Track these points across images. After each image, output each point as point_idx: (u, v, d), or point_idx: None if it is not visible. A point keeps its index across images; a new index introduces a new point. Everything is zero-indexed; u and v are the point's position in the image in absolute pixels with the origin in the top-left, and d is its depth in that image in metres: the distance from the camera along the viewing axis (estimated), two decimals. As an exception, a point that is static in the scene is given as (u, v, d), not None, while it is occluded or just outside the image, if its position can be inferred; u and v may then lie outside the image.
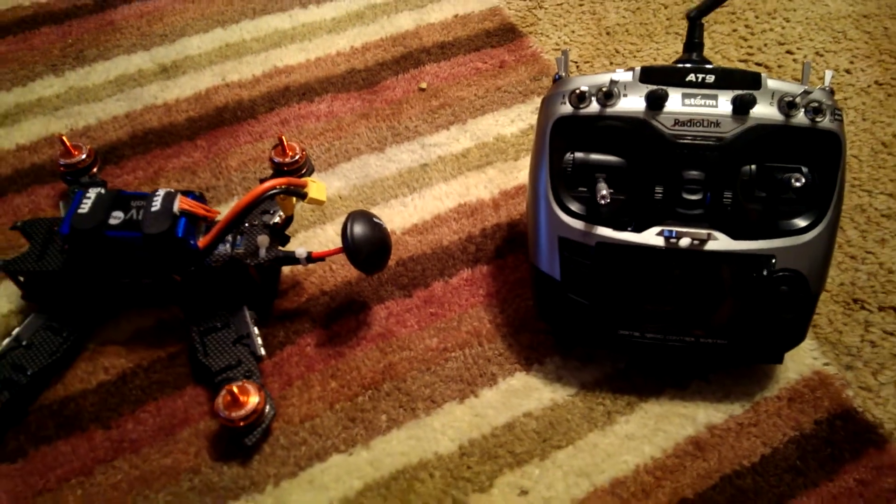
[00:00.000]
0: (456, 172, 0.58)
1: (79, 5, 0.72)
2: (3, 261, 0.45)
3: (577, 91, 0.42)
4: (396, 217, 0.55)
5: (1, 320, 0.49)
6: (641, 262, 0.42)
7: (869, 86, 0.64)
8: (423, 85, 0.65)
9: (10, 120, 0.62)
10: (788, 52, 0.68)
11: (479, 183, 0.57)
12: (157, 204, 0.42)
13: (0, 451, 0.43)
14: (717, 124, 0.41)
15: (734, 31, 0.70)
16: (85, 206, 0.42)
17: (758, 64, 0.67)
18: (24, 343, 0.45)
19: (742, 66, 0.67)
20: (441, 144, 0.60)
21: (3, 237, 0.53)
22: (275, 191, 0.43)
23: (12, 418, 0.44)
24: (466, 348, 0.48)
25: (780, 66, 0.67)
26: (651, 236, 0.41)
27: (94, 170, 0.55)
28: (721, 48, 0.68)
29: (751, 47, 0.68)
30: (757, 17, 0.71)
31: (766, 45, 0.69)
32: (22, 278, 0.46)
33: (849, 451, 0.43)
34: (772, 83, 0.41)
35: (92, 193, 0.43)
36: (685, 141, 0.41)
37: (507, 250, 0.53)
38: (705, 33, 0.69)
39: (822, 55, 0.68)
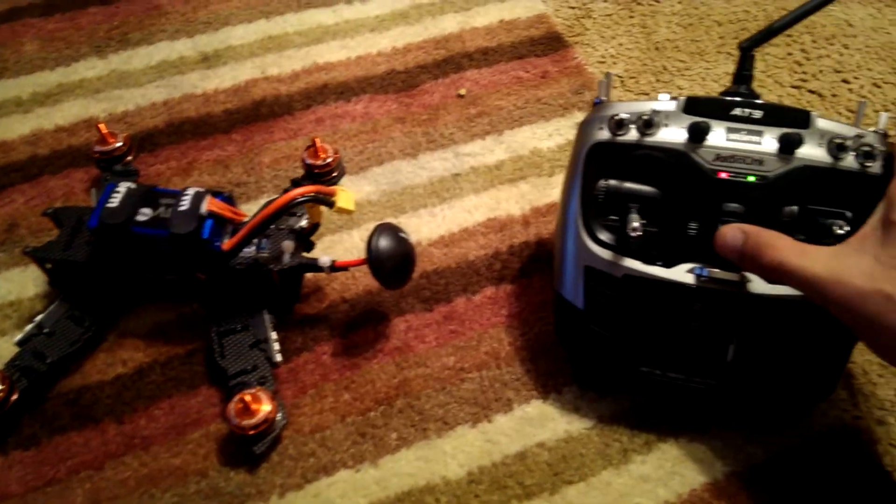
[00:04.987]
0: (487, 185, 0.57)
1: (127, -13, 0.73)
2: (32, 248, 0.45)
3: (617, 118, 0.40)
4: (424, 227, 0.54)
5: (27, 303, 0.49)
6: (669, 298, 0.40)
7: (927, 121, 0.61)
8: (462, 91, 0.64)
9: (52, 100, 0.63)
10: (844, 80, 0.65)
11: (510, 197, 0.56)
12: (185, 203, 0.42)
13: (15, 437, 0.44)
14: (761, 162, 0.39)
15: (789, 54, 0.67)
16: (115, 201, 0.42)
17: (811, 91, 0.64)
18: (45, 331, 0.45)
19: (795, 92, 0.64)
20: (475, 154, 0.59)
21: (36, 220, 0.54)
22: (303, 199, 0.42)
23: (29, 404, 0.44)
24: (484, 370, 0.47)
25: (833, 96, 0.64)
26: (681, 273, 0.40)
27: (129, 158, 0.55)
28: (774, 72, 0.66)
29: (805, 73, 0.66)
30: (814, 42, 0.68)
31: (821, 71, 0.66)
32: (49, 265, 0.46)
33: (873, 511, 0.42)
34: (822, 123, 0.39)
35: (122, 187, 0.42)
36: (725, 177, 0.39)
37: (534, 270, 0.52)
38: (758, 56, 0.66)
39: (879, 87, 0.64)
